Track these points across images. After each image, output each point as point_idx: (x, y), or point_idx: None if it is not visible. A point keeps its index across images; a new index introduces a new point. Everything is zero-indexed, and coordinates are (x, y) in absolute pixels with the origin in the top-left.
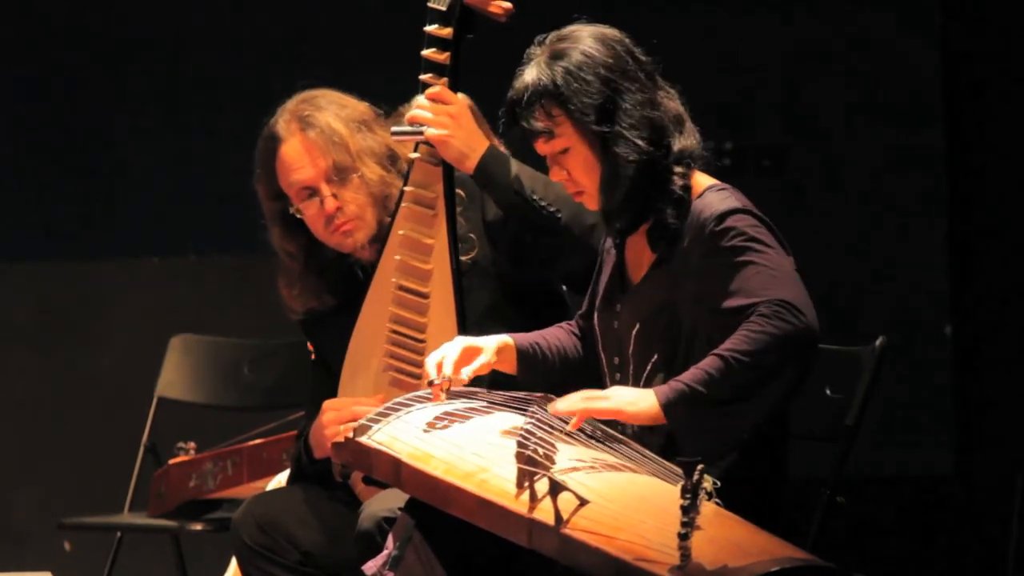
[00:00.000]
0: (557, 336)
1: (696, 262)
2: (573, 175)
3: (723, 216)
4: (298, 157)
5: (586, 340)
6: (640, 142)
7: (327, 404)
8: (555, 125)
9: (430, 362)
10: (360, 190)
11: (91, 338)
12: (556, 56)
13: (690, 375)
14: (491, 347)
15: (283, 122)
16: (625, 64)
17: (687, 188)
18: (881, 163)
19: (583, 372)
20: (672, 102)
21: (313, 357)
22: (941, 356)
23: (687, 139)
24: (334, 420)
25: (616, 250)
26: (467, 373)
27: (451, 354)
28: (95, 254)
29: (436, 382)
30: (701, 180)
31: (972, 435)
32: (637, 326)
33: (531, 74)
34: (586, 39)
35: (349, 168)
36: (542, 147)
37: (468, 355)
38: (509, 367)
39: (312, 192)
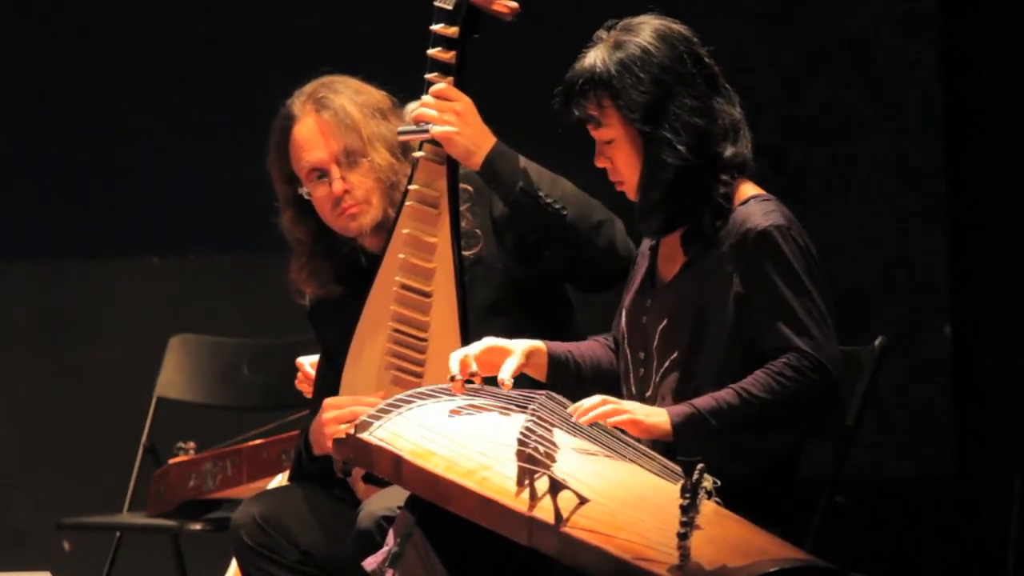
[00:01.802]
0: (592, 348)
1: (732, 270)
2: (616, 165)
3: (767, 232)
4: (311, 137)
5: (619, 350)
6: (681, 148)
7: (327, 402)
8: (603, 115)
9: (454, 358)
10: (369, 175)
11: (91, 338)
12: (617, 46)
13: (704, 403)
14: (520, 350)
15: (299, 103)
16: (682, 66)
17: (729, 197)
18: (881, 163)
19: (617, 385)
20: (731, 108)
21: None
22: (941, 356)
23: (740, 147)
24: (334, 419)
25: (650, 249)
26: (508, 375)
27: (474, 351)
28: (95, 254)
29: (458, 377)
30: (747, 189)
31: (972, 435)
32: (664, 322)
33: (590, 59)
34: (649, 34)
35: (359, 152)
36: (592, 132)
37: (494, 354)
38: (538, 373)
39: (322, 174)
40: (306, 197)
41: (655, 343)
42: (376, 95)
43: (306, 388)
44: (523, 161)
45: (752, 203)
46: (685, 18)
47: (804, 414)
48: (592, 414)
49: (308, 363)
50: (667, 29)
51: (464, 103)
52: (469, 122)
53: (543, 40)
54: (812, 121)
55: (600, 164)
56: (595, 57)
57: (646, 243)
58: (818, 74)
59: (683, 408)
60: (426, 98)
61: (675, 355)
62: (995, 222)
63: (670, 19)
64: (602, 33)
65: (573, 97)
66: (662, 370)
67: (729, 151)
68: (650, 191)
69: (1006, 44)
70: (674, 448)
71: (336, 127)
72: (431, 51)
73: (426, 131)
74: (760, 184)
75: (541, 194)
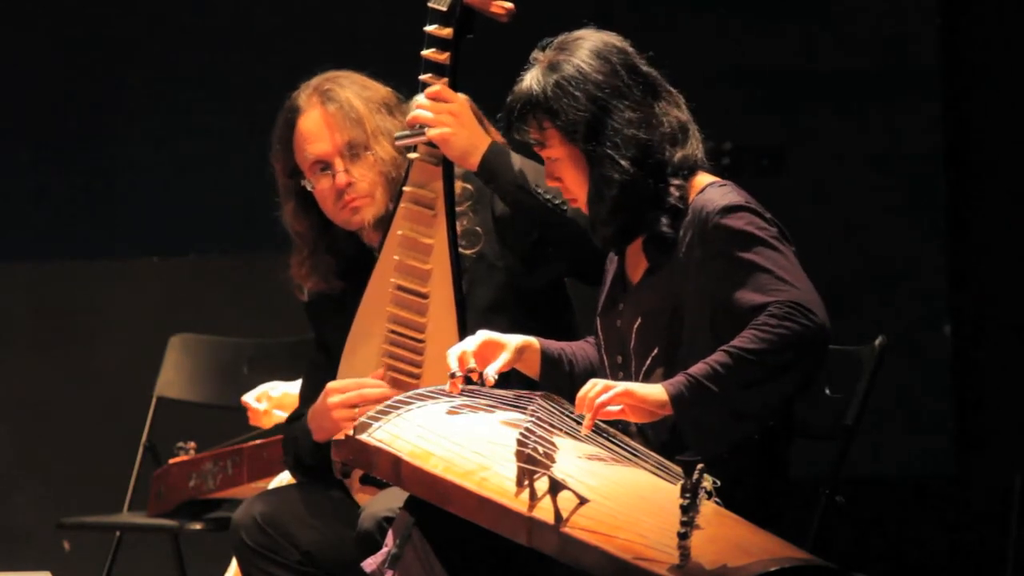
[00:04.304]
0: (584, 348)
1: (699, 257)
2: (566, 183)
3: (725, 212)
4: (316, 130)
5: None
6: (624, 162)
7: (330, 387)
8: (545, 137)
9: (451, 354)
10: (372, 168)
11: (91, 338)
12: (552, 67)
13: (697, 369)
14: (512, 345)
15: (304, 95)
16: (618, 81)
17: (684, 198)
18: (880, 163)
19: None
20: (676, 111)
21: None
22: (941, 356)
23: (690, 148)
24: (340, 403)
25: (618, 255)
26: (493, 372)
27: (471, 347)
28: (95, 254)
29: (457, 374)
30: (702, 179)
31: (972, 435)
32: (639, 320)
33: (527, 82)
34: (583, 51)
35: (363, 145)
36: (540, 152)
37: (489, 349)
38: (531, 370)
39: (325, 166)
40: (308, 189)
41: (632, 343)
42: (381, 91)
43: (260, 423)
44: (519, 159)
45: (709, 189)
46: (684, 19)
47: (798, 357)
48: (592, 395)
49: (253, 399)
50: (601, 44)
51: (459, 104)
52: (464, 123)
53: (538, 40)
54: (811, 121)
55: (550, 183)
56: (531, 79)
57: None
58: (817, 74)
59: (678, 378)
60: (421, 99)
61: (655, 351)
62: (995, 222)
63: (604, 32)
64: (537, 54)
65: (514, 122)
66: (644, 369)
67: (678, 155)
68: (599, 206)
69: (1006, 44)
70: (675, 441)
71: (341, 120)
72: (425, 52)
73: (422, 134)
74: (757, 181)
75: (540, 190)
